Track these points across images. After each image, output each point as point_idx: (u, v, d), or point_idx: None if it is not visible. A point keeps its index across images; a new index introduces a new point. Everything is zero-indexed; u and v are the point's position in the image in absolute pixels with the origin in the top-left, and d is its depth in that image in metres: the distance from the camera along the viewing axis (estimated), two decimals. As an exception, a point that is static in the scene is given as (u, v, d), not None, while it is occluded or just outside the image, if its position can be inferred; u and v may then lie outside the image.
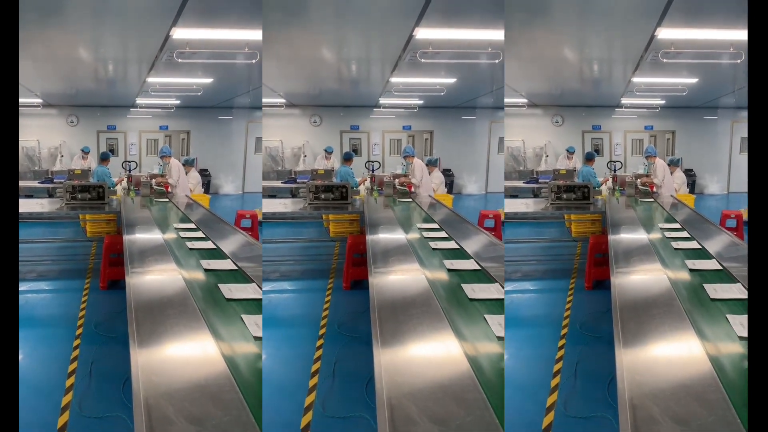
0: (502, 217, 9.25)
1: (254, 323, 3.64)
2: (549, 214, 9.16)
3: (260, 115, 16.90)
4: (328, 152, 15.07)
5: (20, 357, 5.23)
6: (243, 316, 3.77)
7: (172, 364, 3.23)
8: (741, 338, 3.40)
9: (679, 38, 9.20)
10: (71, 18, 8.94)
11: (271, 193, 14.71)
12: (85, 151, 14.88)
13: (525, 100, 16.47)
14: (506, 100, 15.76)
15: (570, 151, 15.26)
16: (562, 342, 5.64)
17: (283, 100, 16.30)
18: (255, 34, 8.40)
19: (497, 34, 8.56)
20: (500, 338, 3.47)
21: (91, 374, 5.00)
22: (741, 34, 8.62)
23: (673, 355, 3.36)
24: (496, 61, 9.25)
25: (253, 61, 9.03)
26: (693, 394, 2.79)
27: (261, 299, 4.12)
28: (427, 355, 3.37)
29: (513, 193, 14.99)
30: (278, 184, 15.52)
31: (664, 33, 8.90)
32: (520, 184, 15.85)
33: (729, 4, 7.86)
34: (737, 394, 2.74)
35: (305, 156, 17.28)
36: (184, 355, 3.37)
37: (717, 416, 2.61)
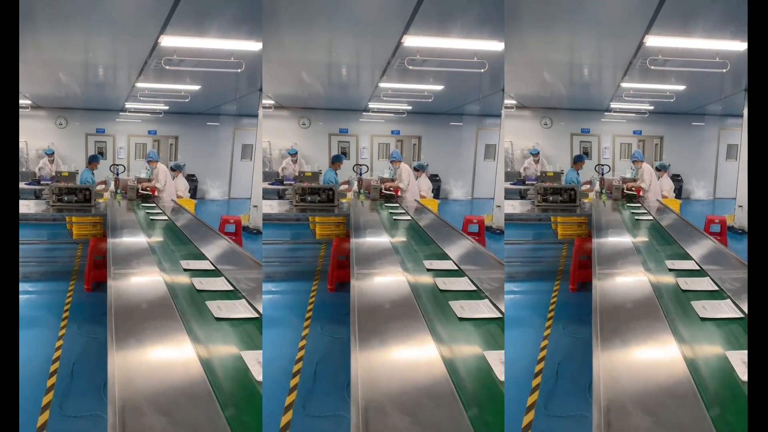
0: (487, 222, 9.26)
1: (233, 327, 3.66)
2: (535, 216, 9.19)
3: (247, 122, 16.93)
4: (292, 154, 14.11)
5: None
6: (222, 315, 3.78)
7: (149, 365, 3.27)
8: (713, 328, 3.56)
9: (666, 46, 9.31)
10: (61, 23, 8.92)
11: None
12: (49, 153, 14.54)
13: (514, 102, 16.48)
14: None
15: (533, 153, 14.81)
16: (544, 343, 5.66)
17: (272, 102, 16.30)
18: (242, 44, 8.47)
19: (484, 44, 8.64)
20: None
21: (73, 374, 5.00)
22: (726, 44, 8.79)
23: (649, 357, 3.42)
24: (482, 70, 9.32)
25: (239, 70, 9.09)
26: (665, 390, 2.89)
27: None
28: (404, 357, 3.44)
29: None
30: (265, 185, 15.45)
31: (652, 41, 9.00)
32: (507, 185, 15.84)
33: (715, 15, 7.98)
34: (707, 389, 2.86)
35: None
36: (161, 357, 3.39)
37: (686, 408, 2.73)
